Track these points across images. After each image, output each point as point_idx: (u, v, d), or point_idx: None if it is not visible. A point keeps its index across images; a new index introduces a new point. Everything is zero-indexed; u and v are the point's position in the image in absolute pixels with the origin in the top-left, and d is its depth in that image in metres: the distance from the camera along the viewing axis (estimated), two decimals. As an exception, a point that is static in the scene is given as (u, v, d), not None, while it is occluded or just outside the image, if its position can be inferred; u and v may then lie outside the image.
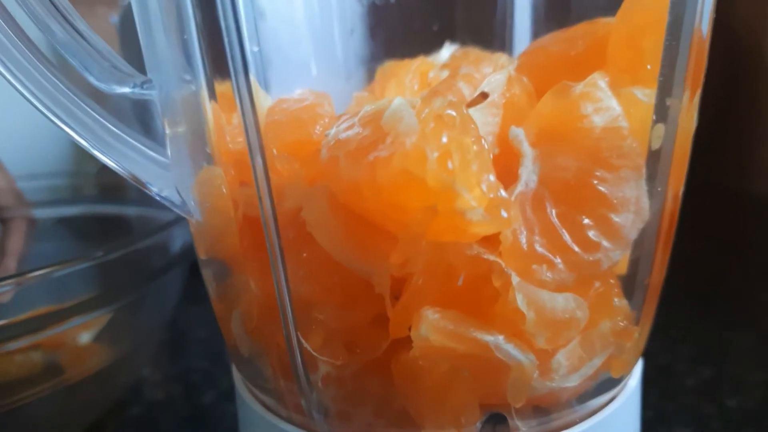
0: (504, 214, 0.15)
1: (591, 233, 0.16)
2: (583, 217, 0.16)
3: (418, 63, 0.22)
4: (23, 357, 0.26)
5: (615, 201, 0.16)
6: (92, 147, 0.18)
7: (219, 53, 0.16)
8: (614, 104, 0.16)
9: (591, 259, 0.16)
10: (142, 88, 0.18)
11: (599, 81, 0.17)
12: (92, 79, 0.18)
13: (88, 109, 0.18)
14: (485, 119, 0.17)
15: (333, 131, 0.17)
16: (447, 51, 0.23)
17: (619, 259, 0.17)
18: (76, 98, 0.18)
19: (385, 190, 0.15)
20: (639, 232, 0.17)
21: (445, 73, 0.21)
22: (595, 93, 0.17)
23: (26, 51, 0.17)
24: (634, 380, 0.20)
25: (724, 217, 0.58)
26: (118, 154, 0.18)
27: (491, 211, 0.15)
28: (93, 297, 0.27)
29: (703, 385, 0.33)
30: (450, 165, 0.15)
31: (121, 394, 0.34)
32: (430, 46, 0.23)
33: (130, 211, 0.39)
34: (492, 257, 0.16)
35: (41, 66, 0.17)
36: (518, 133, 0.17)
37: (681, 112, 0.17)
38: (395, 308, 0.16)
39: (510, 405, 0.17)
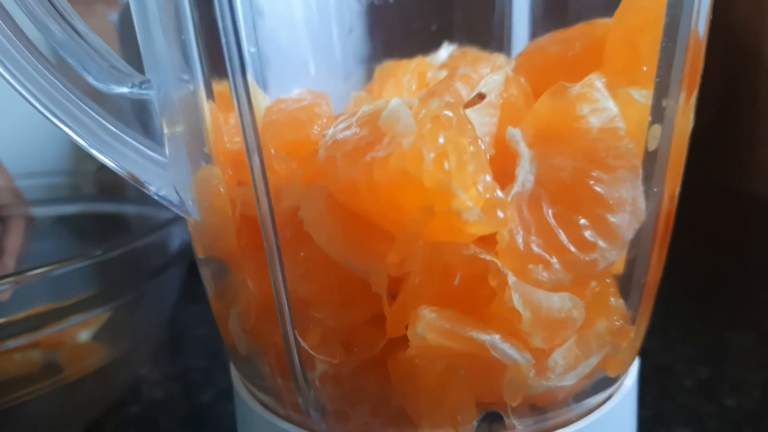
0: (500, 214, 0.15)
1: (587, 233, 0.16)
2: (580, 217, 0.17)
3: (416, 63, 0.22)
4: (22, 355, 0.26)
5: (611, 201, 0.17)
6: (90, 146, 0.18)
7: (216, 53, 0.16)
8: (611, 105, 0.17)
9: (587, 259, 0.16)
10: (140, 88, 0.18)
11: (596, 82, 0.17)
12: (90, 79, 0.18)
13: (87, 109, 0.18)
14: (482, 120, 0.17)
15: (330, 131, 0.17)
16: (445, 51, 0.23)
17: (616, 259, 0.17)
18: (74, 98, 0.18)
19: (382, 190, 0.15)
20: (635, 232, 0.17)
21: (443, 74, 0.21)
22: (591, 94, 0.17)
23: (25, 50, 0.17)
24: (630, 379, 0.20)
25: (724, 217, 0.58)
26: (117, 153, 0.18)
27: (487, 212, 0.15)
28: (92, 295, 0.27)
29: (702, 384, 0.33)
30: (446, 165, 0.15)
31: (119, 392, 0.34)
32: (429, 46, 0.23)
33: (129, 209, 0.39)
34: (488, 257, 0.16)
35: (40, 65, 0.17)
36: (515, 133, 0.17)
37: (677, 112, 0.18)
38: (392, 307, 0.17)
39: (506, 404, 0.17)
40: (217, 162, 0.18)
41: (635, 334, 0.19)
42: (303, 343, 0.17)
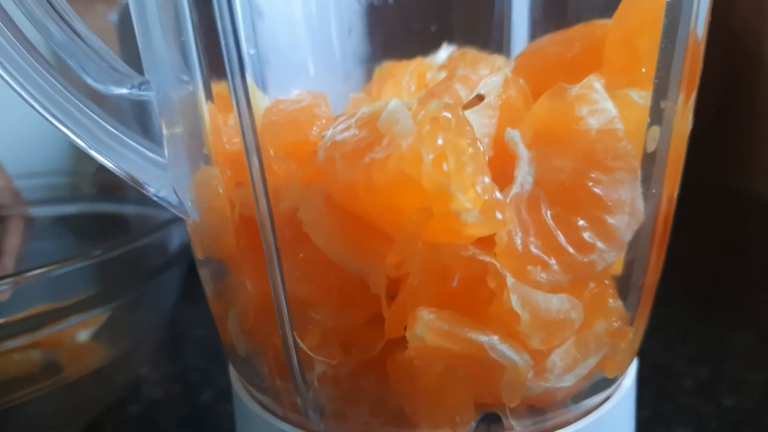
0: (499, 215, 0.15)
1: (586, 235, 0.16)
2: (578, 218, 0.17)
3: (416, 64, 0.22)
4: (21, 355, 0.26)
5: (610, 203, 0.17)
6: (90, 147, 0.18)
7: (216, 54, 0.16)
8: (610, 106, 0.17)
9: (585, 260, 0.16)
10: (139, 89, 0.18)
11: (595, 83, 0.17)
12: (89, 80, 0.18)
13: (86, 110, 0.18)
14: (481, 121, 0.17)
15: (330, 132, 0.17)
16: (445, 52, 0.23)
17: (614, 260, 0.17)
18: (73, 98, 0.18)
19: (381, 192, 0.15)
20: (634, 234, 0.17)
21: (443, 74, 0.21)
22: (590, 95, 0.17)
23: (24, 51, 0.17)
24: (628, 380, 0.20)
25: (724, 217, 0.58)
26: (116, 154, 0.18)
27: (486, 213, 0.15)
28: (91, 295, 0.27)
29: (701, 385, 0.33)
30: (445, 167, 0.15)
31: (119, 392, 0.34)
32: (428, 46, 0.23)
33: (129, 209, 0.39)
34: (487, 258, 0.16)
35: (39, 66, 0.17)
36: (514, 134, 0.17)
37: (676, 114, 0.18)
38: (391, 308, 0.17)
39: (505, 404, 0.17)
40: (216, 163, 0.18)
41: (634, 335, 0.19)
42: (302, 344, 0.17)
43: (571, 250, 0.16)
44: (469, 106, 0.18)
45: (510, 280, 0.16)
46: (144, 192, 0.19)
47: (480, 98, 0.18)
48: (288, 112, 0.19)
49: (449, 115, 0.15)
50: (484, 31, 0.23)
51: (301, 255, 0.17)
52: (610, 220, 0.17)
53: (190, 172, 0.19)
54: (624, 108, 0.17)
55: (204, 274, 0.21)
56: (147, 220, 0.37)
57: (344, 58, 0.24)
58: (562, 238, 0.16)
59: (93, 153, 0.18)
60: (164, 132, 0.19)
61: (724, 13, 0.53)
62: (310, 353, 0.17)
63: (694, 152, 0.20)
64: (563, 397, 0.18)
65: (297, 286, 0.17)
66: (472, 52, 0.22)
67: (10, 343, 0.25)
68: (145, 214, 0.37)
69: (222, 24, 0.16)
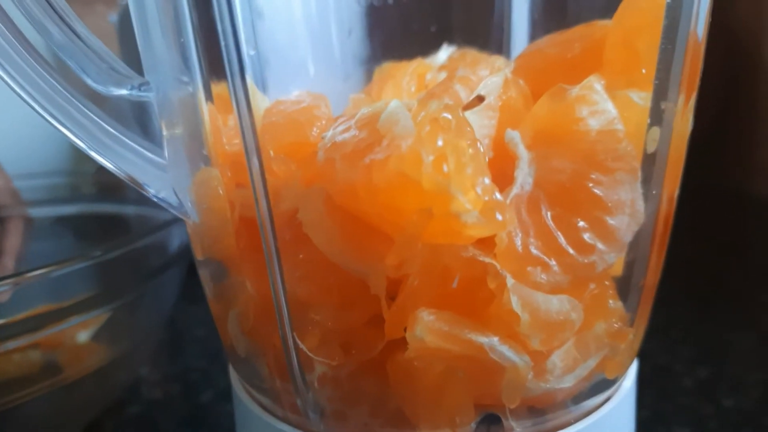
0: (499, 216, 0.15)
1: (586, 236, 0.16)
2: (578, 219, 0.17)
3: (416, 65, 0.22)
4: (21, 356, 0.26)
5: (610, 204, 0.17)
6: (89, 148, 0.18)
7: (215, 55, 0.16)
8: (610, 107, 0.17)
9: (586, 261, 0.16)
10: (139, 90, 0.18)
11: (595, 84, 0.17)
12: (89, 81, 0.18)
13: (86, 111, 0.18)
14: (481, 122, 0.17)
15: (329, 133, 0.17)
16: (445, 53, 0.23)
17: (614, 261, 0.17)
18: (73, 99, 0.18)
19: (381, 193, 0.15)
20: (634, 235, 0.17)
21: (443, 75, 0.21)
22: (590, 96, 0.17)
23: (24, 52, 0.17)
24: (629, 381, 0.20)
25: (724, 218, 0.58)
26: (116, 155, 0.18)
27: (486, 214, 0.15)
28: (91, 296, 0.27)
29: (701, 385, 0.33)
30: (445, 168, 0.15)
31: (119, 393, 0.34)
32: (428, 47, 0.23)
33: (129, 210, 0.39)
34: (487, 259, 0.16)
35: (38, 67, 0.17)
36: (514, 135, 0.17)
37: (676, 115, 0.18)
38: (391, 309, 0.17)
39: (505, 405, 0.17)
40: (216, 164, 0.18)
41: (634, 336, 0.19)
42: (302, 345, 0.17)
43: (571, 251, 0.16)
44: (469, 107, 0.18)
45: (510, 281, 0.16)
46: (144, 193, 0.19)
47: (480, 99, 0.18)
48: (288, 113, 0.19)
49: (449, 116, 0.15)
50: (484, 32, 0.23)
51: (301, 256, 0.17)
52: (611, 221, 0.17)
53: (190, 173, 0.19)
54: (624, 109, 0.17)
55: (204, 274, 0.21)
56: (147, 221, 0.37)
57: (344, 58, 0.24)
58: (562, 239, 0.16)
59: (93, 154, 0.18)
60: (164, 133, 0.19)
61: (724, 13, 0.53)
62: (310, 354, 0.17)
63: (694, 153, 0.20)
64: (563, 398, 0.18)
65: (297, 287, 0.17)
66: (472, 53, 0.22)
67: (10, 344, 0.25)
68: (145, 214, 0.37)
69: (222, 25, 0.16)
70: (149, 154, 0.19)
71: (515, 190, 0.17)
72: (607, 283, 0.18)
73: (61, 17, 0.18)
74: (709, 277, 0.48)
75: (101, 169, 0.19)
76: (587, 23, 0.19)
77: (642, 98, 0.17)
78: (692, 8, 0.17)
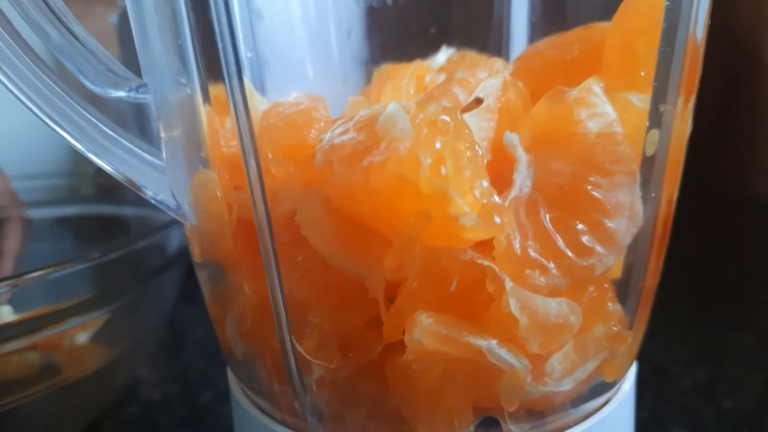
0: (497, 219, 0.15)
1: (584, 238, 0.16)
2: (577, 222, 0.17)
3: (415, 66, 0.22)
4: (20, 357, 0.26)
5: (609, 206, 0.16)
6: (88, 150, 0.18)
7: (213, 57, 0.16)
8: (609, 110, 0.16)
9: (584, 264, 0.16)
10: (137, 91, 0.18)
11: (594, 86, 0.17)
12: (87, 83, 0.18)
13: (84, 113, 0.18)
14: (480, 124, 0.17)
15: (328, 136, 0.17)
16: (444, 54, 0.23)
17: (613, 264, 0.17)
18: (71, 101, 0.18)
19: (379, 195, 0.15)
20: (633, 237, 0.17)
21: (442, 77, 0.21)
22: (589, 98, 0.17)
23: (21, 54, 0.17)
24: (628, 384, 0.20)
25: (724, 218, 0.58)
26: (114, 157, 0.18)
27: (484, 217, 0.15)
28: (90, 297, 0.27)
29: (701, 386, 0.33)
30: (443, 171, 0.15)
31: (118, 394, 0.34)
32: (427, 49, 0.23)
33: (128, 211, 0.39)
34: (486, 262, 0.16)
35: (36, 69, 0.17)
36: (512, 138, 0.17)
37: (675, 117, 0.17)
38: (389, 312, 0.17)
39: (503, 408, 0.17)
40: (214, 166, 0.18)
41: (633, 339, 0.19)
42: (299, 348, 0.17)
43: (569, 253, 0.16)
44: (467, 109, 0.18)
45: (509, 284, 0.16)
46: (142, 195, 0.19)
47: (478, 101, 0.18)
48: (286, 114, 0.19)
49: (447, 119, 0.15)
50: (483, 34, 0.22)
51: (298, 258, 0.17)
52: (609, 223, 0.17)
53: (188, 175, 0.19)
54: (623, 111, 0.17)
55: (202, 276, 0.21)
56: (146, 222, 0.37)
57: (343, 60, 0.24)
58: (560, 242, 0.16)
59: (91, 156, 0.18)
60: (162, 135, 0.19)
61: (723, 13, 0.53)
62: (308, 357, 0.17)
63: (693, 153, 0.20)
64: (562, 400, 0.18)
65: (295, 289, 0.17)
66: (471, 55, 0.22)
67: (9, 346, 0.25)
68: (145, 215, 0.37)
69: (219, 26, 0.16)
70: (147, 156, 0.19)
71: (514, 192, 0.17)
72: (605, 285, 0.18)
73: (58, 18, 0.18)
74: (708, 277, 0.48)
75: (100, 170, 0.19)
76: (586, 25, 0.19)
77: (641, 100, 0.17)
78: (691, 10, 0.17)
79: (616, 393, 0.20)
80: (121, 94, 0.18)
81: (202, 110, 0.17)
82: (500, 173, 0.17)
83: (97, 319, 0.28)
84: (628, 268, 0.18)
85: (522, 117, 0.18)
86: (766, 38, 0.59)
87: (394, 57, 0.23)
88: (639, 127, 0.17)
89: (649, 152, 0.17)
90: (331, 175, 0.16)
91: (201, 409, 0.34)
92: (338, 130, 0.16)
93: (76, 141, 0.18)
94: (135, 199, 0.37)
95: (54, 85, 0.18)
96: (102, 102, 0.18)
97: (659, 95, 0.17)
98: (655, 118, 0.17)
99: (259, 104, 0.20)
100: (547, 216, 0.17)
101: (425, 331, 0.16)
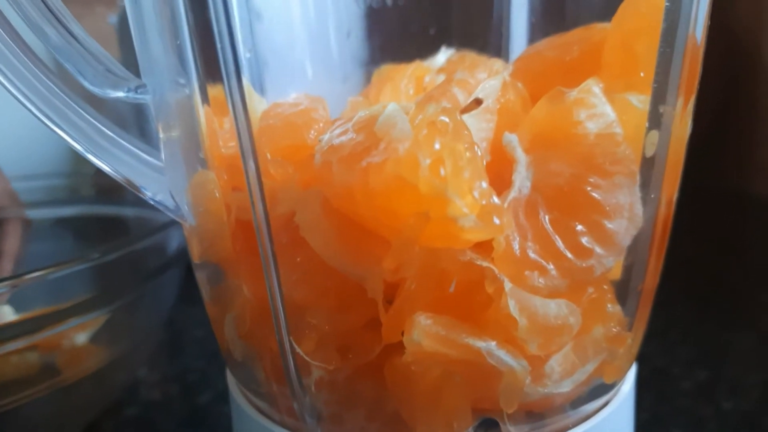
0: (496, 220, 0.15)
1: (584, 239, 0.16)
2: (576, 223, 0.16)
3: (414, 67, 0.22)
4: (19, 358, 0.26)
5: (608, 207, 0.16)
6: (86, 151, 0.18)
7: (212, 57, 0.16)
8: (608, 110, 0.16)
9: (584, 265, 0.16)
10: (136, 92, 0.18)
11: (594, 87, 0.17)
12: (86, 83, 0.18)
13: (83, 113, 0.18)
14: (479, 125, 0.17)
15: (327, 136, 0.17)
16: (443, 55, 0.23)
17: (612, 265, 0.17)
18: (70, 101, 0.18)
19: (378, 196, 0.15)
20: (632, 239, 0.17)
21: (441, 78, 0.21)
22: (589, 99, 0.17)
23: (21, 54, 0.17)
24: (627, 385, 0.20)
25: (724, 218, 0.58)
26: (113, 157, 0.18)
27: (483, 218, 0.15)
28: (90, 298, 0.27)
29: (700, 387, 0.33)
30: (442, 171, 0.15)
31: (117, 394, 0.34)
32: (427, 49, 0.23)
33: (128, 211, 0.39)
34: (485, 263, 0.16)
35: (35, 69, 0.17)
36: (512, 139, 0.17)
37: (675, 119, 0.17)
38: (388, 313, 0.16)
39: (502, 410, 0.17)
40: (213, 167, 0.18)
41: (632, 341, 0.19)
42: (298, 349, 0.17)
43: (569, 255, 0.16)
44: (467, 110, 0.18)
45: (508, 285, 0.16)
46: (141, 196, 0.19)
47: (478, 102, 0.18)
48: (285, 115, 0.19)
49: (447, 119, 0.15)
50: (483, 35, 0.22)
51: (297, 259, 0.17)
52: (609, 224, 0.16)
53: (187, 176, 0.19)
54: (623, 112, 0.17)
55: (201, 277, 0.21)
56: (146, 222, 0.37)
57: (342, 61, 0.24)
58: (560, 243, 0.16)
59: (90, 156, 0.18)
60: (161, 135, 0.19)
61: (723, 13, 0.53)
62: (307, 358, 0.17)
63: (693, 154, 0.20)
64: (562, 402, 0.18)
65: (294, 290, 0.17)
66: (470, 56, 0.22)
67: (8, 346, 0.25)
68: (144, 216, 0.37)
69: (218, 27, 0.16)
70: (146, 157, 0.19)
71: (513, 193, 0.17)
72: (605, 287, 0.18)
73: (58, 19, 0.18)
74: (708, 277, 0.48)
75: (100, 170, 0.19)
76: (586, 26, 0.19)
77: (641, 101, 0.17)
78: (691, 11, 0.17)
79: (615, 394, 0.20)
80: (120, 94, 0.18)
81: (201, 111, 0.17)
82: (499, 174, 0.17)
83: (96, 319, 0.28)
84: (628, 270, 0.18)
85: (521, 118, 0.18)
86: (766, 38, 0.59)
87: (394, 57, 0.23)
88: (639, 128, 0.17)
89: (649, 153, 0.17)
90: (330, 175, 0.16)
91: (200, 409, 0.34)
92: (337, 131, 0.16)
93: (75, 141, 0.18)
94: (135, 200, 0.37)
95: (53, 86, 0.18)
96: (101, 102, 0.18)
97: (659, 96, 0.17)
98: (655, 119, 0.17)
99: (258, 105, 0.20)
100: (547, 217, 0.17)
101: (424, 332, 0.16)
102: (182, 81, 0.18)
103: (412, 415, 0.17)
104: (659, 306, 0.21)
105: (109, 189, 0.40)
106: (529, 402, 0.17)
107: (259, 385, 0.20)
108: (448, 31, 0.23)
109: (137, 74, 0.19)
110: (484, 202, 0.15)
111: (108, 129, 0.18)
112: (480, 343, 0.16)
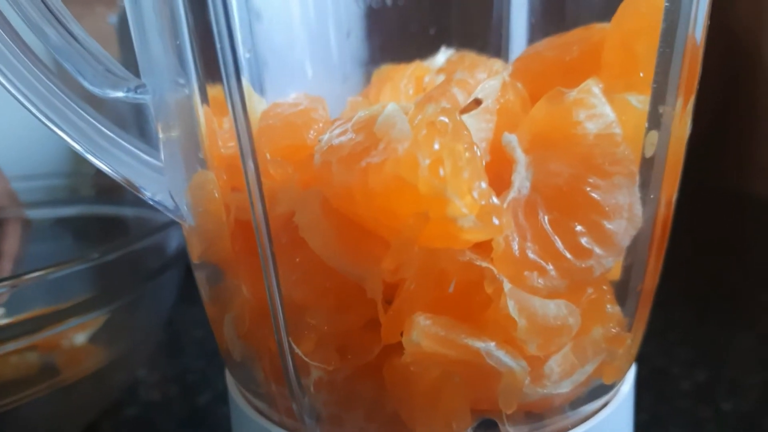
0: (495, 221, 0.15)
1: (583, 240, 0.16)
2: (576, 223, 0.16)
3: (414, 67, 0.22)
4: (19, 358, 0.26)
5: (608, 208, 0.16)
6: (86, 151, 0.18)
7: (211, 57, 0.16)
8: (608, 111, 0.16)
9: (583, 265, 0.16)
10: (135, 92, 0.18)
11: (593, 87, 0.17)
12: (86, 83, 0.18)
13: (83, 113, 0.18)
14: (479, 125, 0.17)
15: (326, 136, 0.17)
16: (443, 55, 0.23)
17: (612, 266, 0.17)
18: (70, 101, 0.18)
19: (377, 196, 0.15)
20: (632, 239, 0.17)
21: (441, 78, 0.21)
22: (588, 99, 0.17)
23: (20, 54, 0.17)
24: (626, 386, 0.20)
25: (723, 218, 0.58)
26: (112, 157, 0.18)
27: (482, 218, 0.15)
28: (89, 298, 0.27)
29: (699, 388, 0.33)
30: (441, 172, 0.15)
31: (117, 394, 0.34)
32: (426, 50, 0.23)
33: (127, 212, 0.39)
34: (484, 263, 0.16)
35: (35, 69, 0.17)
36: (511, 139, 0.17)
37: (674, 119, 0.17)
38: (387, 314, 0.16)
39: (501, 411, 0.17)
40: (212, 167, 0.18)
41: (632, 341, 0.19)
42: (297, 349, 0.17)
43: (568, 255, 0.16)
44: (466, 110, 0.18)
45: (507, 286, 0.16)
46: (140, 196, 0.19)
47: (477, 102, 0.18)
48: (285, 115, 0.19)
49: (446, 120, 0.15)
50: (483, 35, 0.22)
51: (297, 259, 0.17)
52: (608, 225, 0.16)
53: (186, 176, 0.19)
54: (622, 112, 0.17)
55: (200, 277, 0.21)
56: (145, 223, 0.37)
57: (342, 61, 0.24)
58: (559, 244, 0.16)
59: (89, 156, 0.18)
60: (160, 135, 0.19)
61: (723, 13, 0.53)
62: (306, 358, 0.17)
63: (693, 154, 0.20)
64: (561, 403, 0.18)
65: (293, 291, 0.17)
66: (470, 56, 0.22)
67: (8, 346, 0.25)
68: (144, 216, 0.37)
69: (217, 27, 0.16)
70: (146, 157, 0.19)
71: (512, 194, 0.17)
72: (604, 287, 0.18)
73: (57, 19, 0.18)
74: (708, 277, 0.48)
75: (100, 170, 0.19)
76: (585, 26, 0.19)
77: (640, 101, 0.17)
78: (690, 11, 0.17)
79: (615, 395, 0.20)
80: (120, 94, 0.18)
81: (201, 111, 0.17)
82: (499, 174, 0.17)
83: (96, 319, 0.28)
84: (627, 270, 0.18)
85: (521, 118, 0.18)
86: (766, 38, 0.59)
87: (394, 58, 0.23)
88: (638, 128, 0.17)
89: (649, 153, 0.17)
90: (329, 176, 0.16)
91: (200, 409, 0.34)
92: (337, 131, 0.16)
93: (75, 142, 0.18)
94: (134, 200, 0.37)
95: (53, 86, 0.18)
96: (101, 102, 0.18)
97: (658, 96, 0.17)
98: (654, 120, 0.17)
99: (257, 105, 0.20)
100: (546, 217, 0.17)
101: (423, 332, 0.16)
102: (182, 81, 0.17)
103: (412, 415, 0.17)
104: (658, 306, 0.21)
105: (108, 189, 0.40)
106: (528, 403, 0.17)
107: (258, 385, 0.20)
108: (447, 31, 0.23)
109: (137, 74, 0.19)
110: (483, 203, 0.15)
111: (108, 129, 0.18)
112: (479, 344, 0.16)
